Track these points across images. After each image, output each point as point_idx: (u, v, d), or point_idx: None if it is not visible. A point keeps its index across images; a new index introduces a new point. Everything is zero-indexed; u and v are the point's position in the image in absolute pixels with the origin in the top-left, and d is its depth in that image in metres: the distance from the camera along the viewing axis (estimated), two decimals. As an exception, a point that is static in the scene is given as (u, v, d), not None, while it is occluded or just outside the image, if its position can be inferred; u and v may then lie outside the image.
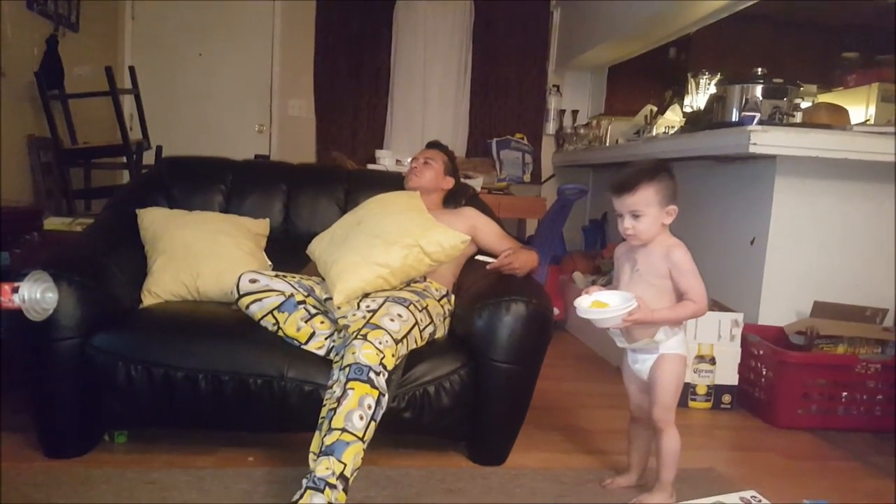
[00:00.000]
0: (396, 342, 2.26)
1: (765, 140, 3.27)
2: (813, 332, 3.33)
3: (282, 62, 6.29)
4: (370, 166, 5.35)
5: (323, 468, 1.98)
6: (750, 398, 3.43)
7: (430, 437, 2.60)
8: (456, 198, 3.25)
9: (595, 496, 2.38)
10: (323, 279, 2.66)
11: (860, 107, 4.50)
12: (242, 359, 2.39)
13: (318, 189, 3.32)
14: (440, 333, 2.65)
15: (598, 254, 5.23)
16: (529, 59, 6.44)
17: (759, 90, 3.72)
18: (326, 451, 2.01)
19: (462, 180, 3.38)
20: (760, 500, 2.32)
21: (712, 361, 3.41)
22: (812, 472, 2.77)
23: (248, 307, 2.52)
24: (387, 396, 2.17)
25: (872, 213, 3.61)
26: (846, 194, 3.60)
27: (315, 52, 6.20)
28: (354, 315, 2.36)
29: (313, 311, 2.55)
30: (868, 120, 4.34)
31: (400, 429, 2.45)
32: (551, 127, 6.53)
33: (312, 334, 2.47)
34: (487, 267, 2.77)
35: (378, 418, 2.13)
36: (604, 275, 4.68)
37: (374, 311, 2.35)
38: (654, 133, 4.80)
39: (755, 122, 3.43)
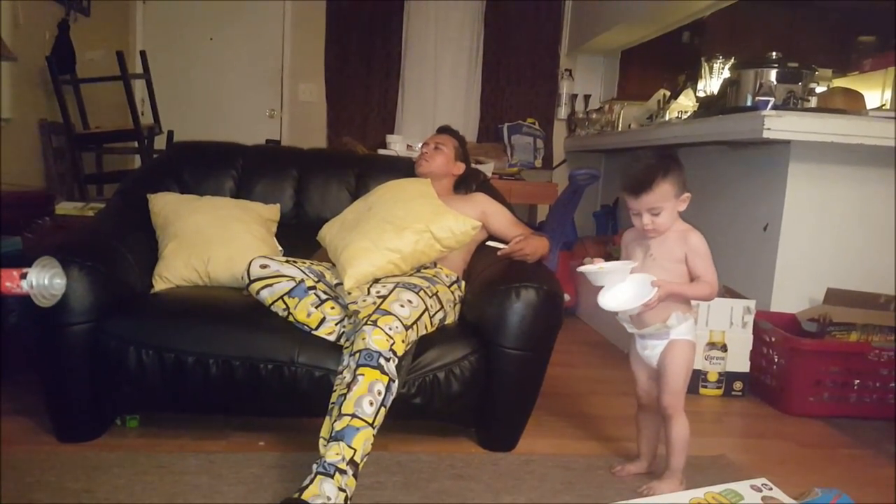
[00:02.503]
0: (406, 328, 2.25)
1: (779, 125, 3.25)
2: (826, 320, 3.32)
3: (293, 47, 6.27)
4: (381, 151, 5.33)
5: (333, 453, 1.98)
6: (761, 385, 3.42)
7: (440, 422, 2.61)
8: (467, 183, 3.23)
9: (605, 483, 2.38)
10: (333, 265, 2.67)
11: (876, 91, 4.47)
12: (253, 344, 2.40)
13: (328, 174, 3.32)
14: (450, 319, 2.65)
15: (610, 239, 5.21)
16: (541, 43, 6.37)
17: (773, 74, 3.70)
18: (336, 437, 2.01)
19: (473, 166, 3.36)
20: (771, 488, 2.30)
21: (724, 348, 3.39)
22: (823, 460, 2.76)
23: (258, 292, 2.52)
24: (397, 382, 2.17)
25: (887, 200, 3.57)
26: (861, 180, 3.57)
27: (326, 36, 6.17)
28: (365, 301, 2.36)
29: (324, 296, 2.54)
30: (884, 105, 4.31)
31: (410, 414, 2.46)
32: (563, 112, 6.48)
33: (323, 320, 2.47)
34: (498, 253, 2.77)
35: (388, 404, 2.13)
36: (615, 261, 4.66)
37: (385, 297, 2.35)
38: (666, 118, 4.77)
39: (769, 106, 3.40)
